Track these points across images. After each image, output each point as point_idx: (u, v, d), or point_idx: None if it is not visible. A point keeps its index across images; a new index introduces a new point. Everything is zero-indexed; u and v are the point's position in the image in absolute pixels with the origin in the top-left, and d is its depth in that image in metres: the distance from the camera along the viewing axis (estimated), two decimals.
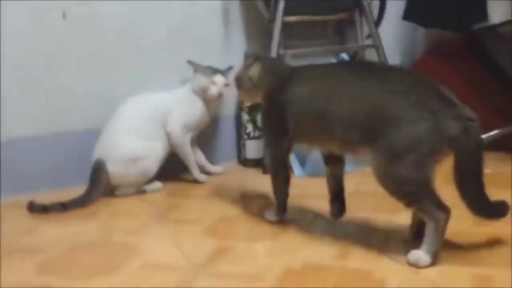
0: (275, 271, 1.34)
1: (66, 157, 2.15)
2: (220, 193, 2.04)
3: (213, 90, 2.16)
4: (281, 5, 2.25)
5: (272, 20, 2.32)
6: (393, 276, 1.29)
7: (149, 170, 2.07)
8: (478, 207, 1.30)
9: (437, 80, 1.35)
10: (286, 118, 1.54)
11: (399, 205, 1.34)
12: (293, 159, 2.20)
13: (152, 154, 2.07)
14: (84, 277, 1.38)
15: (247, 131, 2.41)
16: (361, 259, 1.39)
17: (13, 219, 1.85)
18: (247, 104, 2.35)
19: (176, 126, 2.13)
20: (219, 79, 2.17)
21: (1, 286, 1.33)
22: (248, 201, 1.94)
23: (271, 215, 1.70)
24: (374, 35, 2.41)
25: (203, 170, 2.26)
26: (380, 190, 1.35)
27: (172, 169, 2.20)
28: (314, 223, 1.71)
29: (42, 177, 2.12)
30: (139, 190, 2.08)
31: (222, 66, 2.24)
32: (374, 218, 1.67)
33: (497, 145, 2.00)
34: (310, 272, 1.34)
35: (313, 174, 2.16)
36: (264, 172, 2.28)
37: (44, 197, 1.93)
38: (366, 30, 2.50)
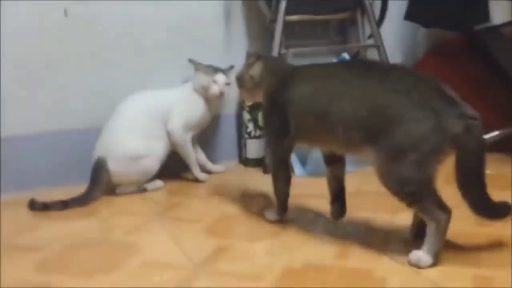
0: (275, 271, 1.34)
1: (67, 155, 2.16)
2: (221, 192, 2.04)
3: (214, 89, 2.16)
4: (283, 5, 2.25)
5: (273, 20, 2.32)
6: (393, 276, 1.29)
7: (150, 168, 2.07)
8: (480, 207, 1.29)
9: (438, 78, 1.35)
10: (287, 117, 1.54)
11: (400, 205, 1.33)
12: (294, 159, 2.20)
13: (153, 153, 2.07)
14: (84, 275, 1.38)
15: (248, 130, 2.41)
16: (361, 259, 1.39)
17: (13, 217, 1.85)
18: (249, 103, 2.35)
19: (177, 125, 2.13)
20: (220, 78, 2.17)
21: (1, 284, 1.33)
22: (248, 200, 1.94)
23: (271, 214, 1.70)
24: (375, 35, 2.41)
25: (203, 169, 2.26)
26: (380, 190, 1.35)
27: (173, 167, 2.20)
28: (314, 223, 1.71)
29: (43, 175, 2.12)
30: (140, 189, 2.08)
31: (223, 65, 2.25)
32: (374, 218, 1.67)
33: (497, 146, 1.99)
34: (310, 272, 1.34)
35: (313, 173, 2.16)
36: (265, 171, 2.28)
37: (45, 195, 1.93)
38: (367, 30, 2.50)
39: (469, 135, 1.25)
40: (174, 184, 2.17)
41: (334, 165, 1.61)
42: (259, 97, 1.71)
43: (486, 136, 1.42)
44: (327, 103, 1.42)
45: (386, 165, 1.31)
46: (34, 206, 1.89)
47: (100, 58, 2.21)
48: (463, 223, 1.41)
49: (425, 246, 1.31)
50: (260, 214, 1.74)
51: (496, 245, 1.43)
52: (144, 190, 2.09)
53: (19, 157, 2.09)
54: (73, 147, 2.16)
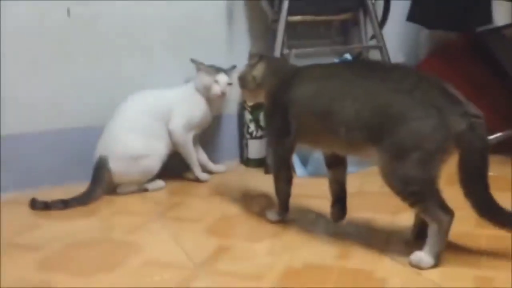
0: (276, 271, 1.34)
1: (67, 154, 2.16)
2: (222, 192, 2.04)
3: (216, 89, 2.16)
4: (285, 5, 2.25)
5: (276, 20, 2.32)
6: (394, 276, 1.28)
7: (151, 168, 2.07)
8: (483, 207, 1.28)
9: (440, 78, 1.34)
10: (289, 117, 1.54)
11: (401, 206, 1.33)
12: (295, 159, 2.20)
13: (154, 153, 2.07)
14: (85, 274, 1.38)
15: (250, 130, 2.41)
16: (362, 259, 1.39)
17: (14, 215, 1.85)
18: (251, 103, 2.34)
19: (178, 125, 2.13)
20: (222, 78, 2.17)
21: (1, 283, 1.32)
22: (249, 201, 1.94)
23: (272, 214, 1.70)
24: (378, 36, 2.40)
25: (205, 169, 2.26)
26: (382, 190, 1.35)
27: (174, 167, 2.19)
28: (315, 223, 1.71)
29: (44, 174, 2.12)
30: (141, 188, 2.08)
31: (225, 65, 2.24)
32: (375, 219, 1.67)
33: (498, 148, 1.99)
34: (311, 272, 1.34)
35: (315, 174, 2.16)
36: (266, 171, 2.27)
37: (46, 194, 1.93)
38: (370, 31, 2.50)
39: (472, 133, 1.24)
40: (175, 184, 2.17)
41: (336, 168, 1.61)
42: (261, 98, 1.71)
43: (489, 138, 1.41)
44: (329, 103, 1.42)
45: (390, 164, 1.31)
46: (35, 205, 1.89)
47: (101, 58, 2.21)
48: (464, 224, 1.41)
49: (427, 247, 1.31)
50: (261, 214, 1.74)
51: (497, 247, 1.42)
52: (145, 189, 2.09)
53: (20, 156, 2.09)
54: (74, 146, 2.16)
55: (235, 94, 2.34)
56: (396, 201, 1.34)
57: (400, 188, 1.31)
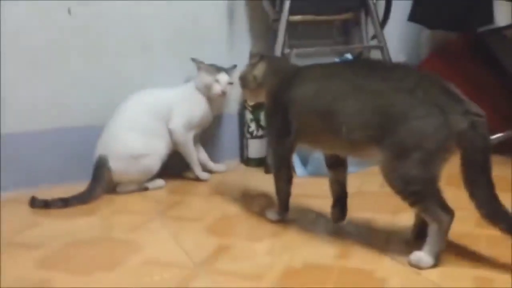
0: (276, 270, 1.34)
1: (68, 153, 2.16)
2: (222, 192, 2.04)
3: (217, 88, 2.16)
4: (286, 4, 2.25)
5: (277, 19, 2.32)
6: (394, 276, 1.28)
7: (151, 167, 2.07)
8: (488, 208, 1.25)
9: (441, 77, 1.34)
10: (289, 117, 1.54)
11: (401, 206, 1.33)
12: (295, 159, 2.20)
13: (154, 152, 2.07)
14: (84, 272, 1.37)
15: (250, 130, 2.41)
16: (362, 259, 1.39)
17: (14, 214, 1.85)
18: (251, 103, 2.34)
19: (178, 124, 2.13)
20: (222, 77, 2.17)
21: (1, 281, 1.32)
22: (249, 200, 1.94)
23: (272, 214, 1.69)
24: (379, 36, 2.40)
25: (205, 168, 2.26)
26: (382, 190, 1.35)
27: (174, 167, 2.20)
28: (315, 223, 1.71)
29: (44, 173, 2.12)
30: (141, 187, 2.08)
31: (226, 65, 2.24)
32: (375, 219, 1.67)
33: (499, 148, 1.99)
34: (310, 272, 1.34)
35: (315, 173, 2.16)
36: (266, 171, 2.27)
37: (46, 193, 1.93)
38: (371, 31, 2.50)
39: (474, 132, 1.23)
40: (175, 183, 2.17)
41: (336, 168, 1.61)
42: (262, 97, 1.71)
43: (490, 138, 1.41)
44: (330, 103, 1.42)
45: (391, 164, 1.31)
46: (35, 203, 1.89)
47: (101, 57, 2.21)
48: (464, 224, 1.41)
49: (426, 247, 1.31)
50: (261, 213, 1.74)
51: (497, 247, 1.42)
52: (145, 188, 2.09)
53: (20, 155, 2.09)
54: (74, 145, 2.16)
55: (235, 94, 2.35)
56: (396, 201, 1.33)
57: (401, 187, 1.30)
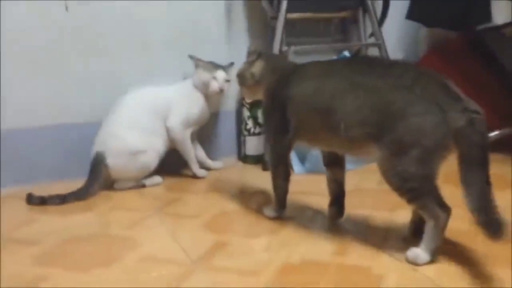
0: (273, 267, 1.34)
1: (66, 149, 2.16)
2: (219, 189, 2.04)
3: (214, 86, 2.16)
4: (284, 2, 2.25)
5: (275, 17, 2.32)
6: (392, 273, 1.28)
7: (149, 164, 2.07)
8: (481, 209, 1.21)
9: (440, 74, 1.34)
10: (287, 115, 1.54)
11: (399, 202, 1.33)
12: (293, 156, 2.20)
13: (152, 149, 2.07)
14: (82, 269, 1.37)
15: (248, 127, 2.41)
16: (359, 256, 1.39)
17: (12, 210, 1.85)
18: (249, 100, 2.34)
19: (176, 121, 2.13)
20: (220, 74, 2.17)
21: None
22: (247, 197, 1.94)
23: (270, 211, 1.69)
24: (377, 34, 2.41)
25: (202, 166, 2.26)
26: (379, 188, 1.35)
27: (172, 164, 2.20)
28: (313, 220, 1.71)
29: (43, 169, 2.13)
30: (139, 184, 2.08)
31: (224, 62, 2.24)
32: (373, 216, 1.67)
33: (497, 146, 2.00)
34: (308, 268, 1.34)
35: (313, 171, 2.16)
36: (264, 168, 2.28)
37: (44, 189, 1.94)
38: (369, 29, 2.50)
39: (472, 129, 1.23)
40: (173, 180, 2.17)
41: (334, 168, 1.61)
42: (260, 95, 1.71)
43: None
44: (329, 100, 1.41)
45: (389, 161, 1.31)
46: (32, 200, 1.89)
47: (100, 55, 2.21)
48: (461, 221, 1.40)
49: (423, 244, 1.31)
50: (258, 210, 1.74)
51: (494, 244, 1.42)
52: (143, 185, 2.09)
53: (19, 151, 2.09)
54: (73, 142, 2.16)
55: (233, 91, 2.34)
56: (393, 198, 1.34)
57: (398, 184, 1.30)
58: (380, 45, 2.39)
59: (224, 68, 2.21)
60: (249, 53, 1.74)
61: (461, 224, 1.43)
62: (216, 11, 2.40)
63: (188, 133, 2.18)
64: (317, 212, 1.74)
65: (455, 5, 2.28)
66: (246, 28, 2.47)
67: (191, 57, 2.20)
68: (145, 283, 1.29)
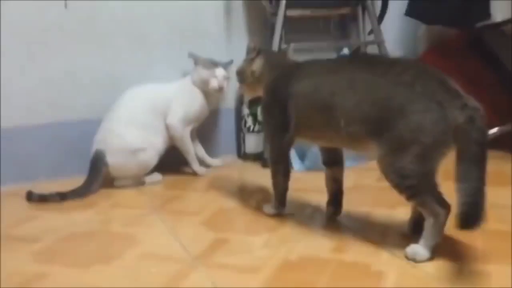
0: (273, 263, 1.34)
1: (66, 147, 2.16)
2: (219, 186, 2.04)
3: (214, 83, 2.16)
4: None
5: (274, 14, 2.32)
6: (391, 269, 1.28)
7: (149, 162, 2.07)
8: (468, 201, 1.20)
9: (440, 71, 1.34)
10: (288, 112, 1.54)
11: (398, 199, 1.33)
12: (293, 154, 2.20)
13: (152, 146, 2.07)
14: (81, 266, 1.37)
15: (247, 125, 2.41)
16: (359, 253, 1.39)
17: (12, 208, 1.85)
18: (249, 98, 2.34)
19: (175, 118, 2.13)
20: (219, 72, 2.17)
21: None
22: (246, 195, 1.94)
23: (269, 208, 1.70)
24: (376, 31, 2.41)
25: (202, 163, 2.27)
26: (379, 185, 1.35)
27: (172, 161, 2.20)
28: (312, 217, 1.71)
29: (42, 166, 2.13)
30: (138, 182, 2.08)
31: (223, 59, 2.24)
32: (372, 212, 1.67)
33: (497, 143, 2.00)
34: (307, 265, 1.34)
35: (312, 168, 2.16)
36: (263, 166, 2.28)
37: (44, 187, 1.94)
38: (368, 26, 2.50)
39: (472, 125, 1.22)
40: (173, 178, 2.17)
41: (333, 166, 1.61)
42: (260, 92, 1.70)
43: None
44: (329, 97, 1.41)
45: (388, 157, 1.31)
46: (32, 197, 1.89)
47: (99, 52, 2.21)
48: None
49: (422, 240, 1.31)
50: (258, 208, 1.75)
51: (493, 241, 1.43)
52: (143, 183, 2.09)
53: (18, 149, 2.10)
54: (72, 139, 2.16)
55: (232, 89, 2.34)
56: (393, 195, 1.33)
57: (398, 181, 1.30)
58: (380, 43, 2.39)
59: (224, 65, 2.21)
60: (249, 50, 1.73)
61: None
62: (215, 8, 2.40)
63: (187, 130, 2.18)
64: (316, 209, 1.74)
65: (454, 2, 2.28)
66: (246, 26, 2.47)
67: (190, 54, 2.20)
68: (145, 280, 1.29)
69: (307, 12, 2.42)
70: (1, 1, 2.02)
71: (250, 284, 1.25)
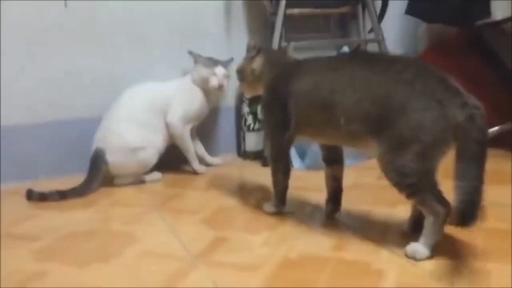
0: (272, 262, 1.34)
1: (66, 145, 2.16)
2: (219, 185, 2.04)
3: (214, 81, 2.16)
4: None
5: (274, 13, 2.31)
6: (391, 268, 1.28)
7: (149, 160, 2.07)
8: (465, 199, 1.20)
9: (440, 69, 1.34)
10: (288, 110, 1.54)
11: (398, 198, 1.33)
12: (293, 152, 2.20)
13: (152, 145, 2.07)
14: (81, 264, 1.37)
15: (247, 123, 2.41)
16: (359, 251, 1.39)
17: (12, 206, 1.85)
18: (249, 96, 2.34)
19: (175, 117, 2.13)
20: (219, 70, 2.17)
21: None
22: (246, 193, 1.94)
23: (269, 206, 1.70)
24: (376, 29, 2.40)
25: (202, 162, 2.27)
26: (379, 183, 1.35)
27: (172, 160, 2.20)
28: (312, 215, 1.71)
29: (42, 165, 2.13)
30: (138, 180, 2.08)
31: (223, 57, 2.24)
32: (372, 211, 1.67)
33: (497, 142, 2.00)
34: (307, 263, 1.34)
35: (312, 167, 2.16)
36: (263, 164, 2.28)
37: (44, 185, 1.94)
38: (368, 24, 2.50)
39: (472, 124, 1.22)
40: (173, 176, 2.17)
41: (333, 164, 1.61)
42: (260, 90, 1.70)
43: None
44: (330, 95, 1.41)
45: (388, 156, 1.31)
46: (32, 196, 1.89)
47: (99, 51, 2.21)
48: None
49: (422, 239, 1.31)
50: (258, 206, 1.75)
51: (493, 240, 1.43)
52: (143, 181, 2.09)
53: (18, 147, 2.10)
54: (72, 138, 2.16)
55: (232, 87, 2.34)
56: (393, 194, 1.33)
57: (398, 179, 1.30)
58: (380, 41, 2.39)
59: (224, 63, 2.21)
60: (249, 49, 1.73)
61: None
62: (215, 8, 2.40)
63: (187, 128, 2.18)
64: (316, 207, 1.74)
65: (455, 1, 2.27)
66: (246, 24, 2.47)
67: (190, 52, 2.20)
68: (144, 279, 1.29)
69: (307, 11, 2.41)
70: (1, 1, 2.02)
71: (250, 282, 1.25)
